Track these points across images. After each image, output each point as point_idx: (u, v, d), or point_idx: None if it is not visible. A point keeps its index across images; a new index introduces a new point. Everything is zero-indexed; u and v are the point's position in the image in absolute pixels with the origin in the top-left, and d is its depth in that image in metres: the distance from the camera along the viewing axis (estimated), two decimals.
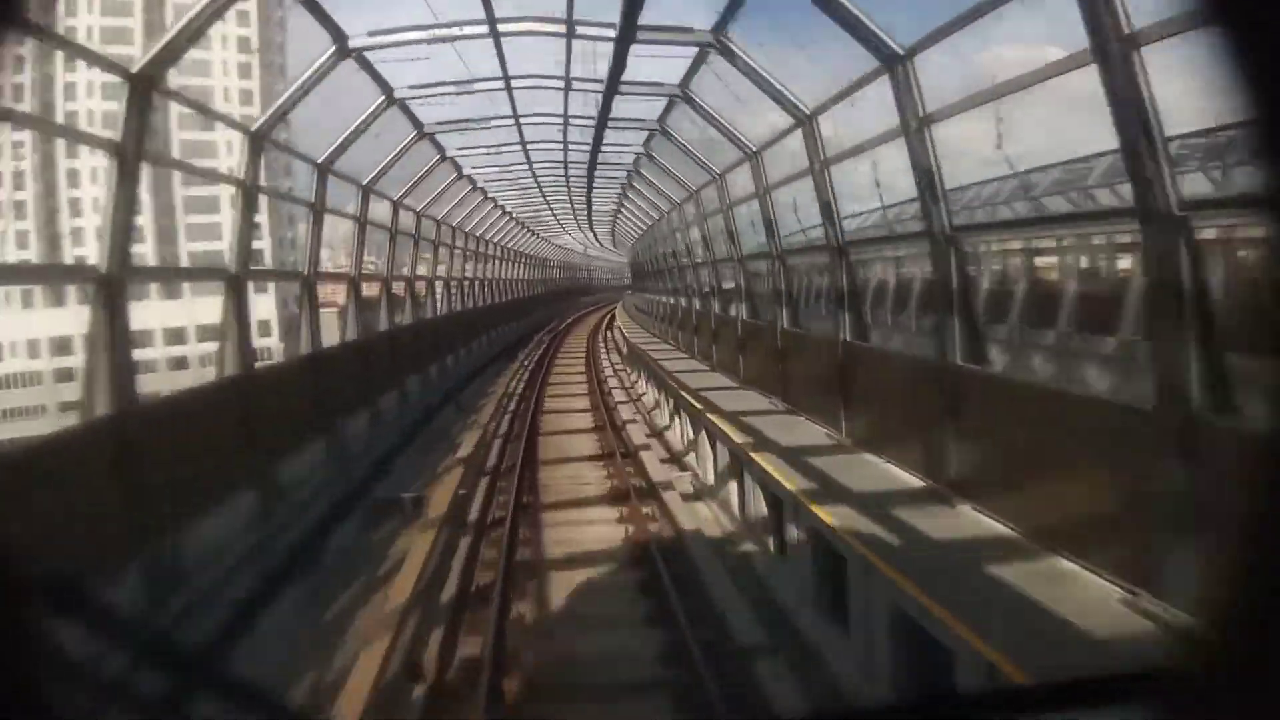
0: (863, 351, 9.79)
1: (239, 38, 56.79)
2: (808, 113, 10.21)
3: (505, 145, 17.93)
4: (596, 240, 47.09)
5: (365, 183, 14.80)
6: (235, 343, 8.59)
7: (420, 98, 12.62)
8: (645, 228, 29.21)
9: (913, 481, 7.73)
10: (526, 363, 27.71)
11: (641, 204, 25.20)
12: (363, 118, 11.90)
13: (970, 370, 7.19)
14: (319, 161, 11.87)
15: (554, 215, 32.85)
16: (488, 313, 31.72)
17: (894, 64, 7.63)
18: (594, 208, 27.37)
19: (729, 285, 17.24)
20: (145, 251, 50.64)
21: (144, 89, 7.23)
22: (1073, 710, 0.74)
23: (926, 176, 7.58)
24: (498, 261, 36.88)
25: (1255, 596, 0.53)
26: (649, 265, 33.77)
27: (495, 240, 35.32)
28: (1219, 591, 0.56)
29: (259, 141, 9.04)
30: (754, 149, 12.91)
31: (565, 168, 21.20)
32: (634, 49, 10.11)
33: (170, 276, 36.23)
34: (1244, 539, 0.54)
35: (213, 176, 9.40)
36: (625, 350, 28.90)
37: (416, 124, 14.51)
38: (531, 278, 47.33)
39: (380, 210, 17.07)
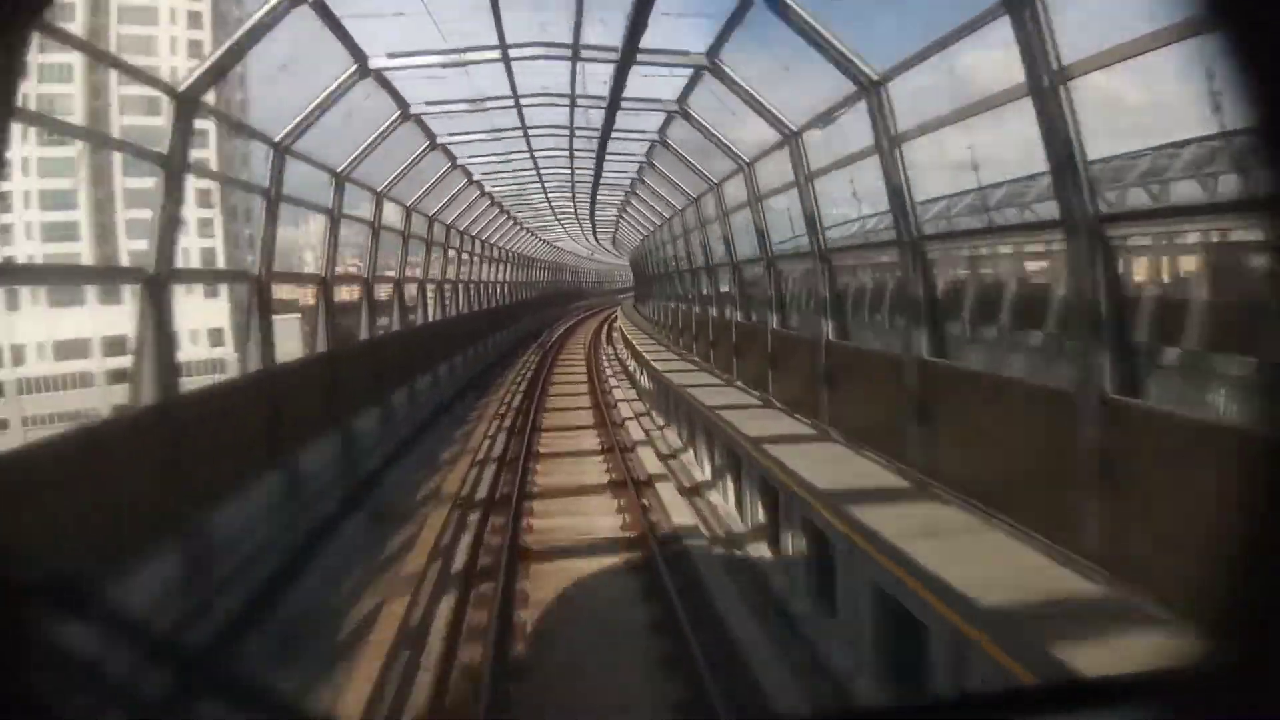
0: (952, 375, 8.03)
1: (190, 12, 53.30)
2: (875, 78, 8.46)
3: (505, 131, 16.12)
4: (595, 238, 45.06)
5: (340, 170, 13.04)
6: (154, 361, 6.78)
7: (402, 68, 10.83)
8: (654, 226, 27.34)
9: (1081, 581, 5.83)
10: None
11: (652, 201, 23.45)
12: (331, 88, 10.13)
13: (1135, 407, 5.42)
14: (276, 140, 10.09)
15: (551, 207, 30.66)
16: (472, 320, 29.24)
17: (1020, 2, 5.90)
18: (600, 193, 24.70)
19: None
20: (80, 250, 47.58)
21: (20, 28, 5.45)
22: (1073, 711, 0.73)
23: (1064, 149, 5.84)
24: (492, 263, 35.08)
25: (1255, 596, 0.52)
26: (658, 268, 31.57)
27: (492, 241, 33.49)
28: (1219, 591, 0.55)
29: (189, 106, 7.25)
30: (793, 129, 11.18)
31: (571, 157, 19.41)
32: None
33: (57, 277, 33.08)
34: (1244, 539, 0.53)
35: (124, 148, 7.71)
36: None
37: (401, 103, 12.75)
38: (519, 280, 45.12)
39: (359, 206, 15.38)
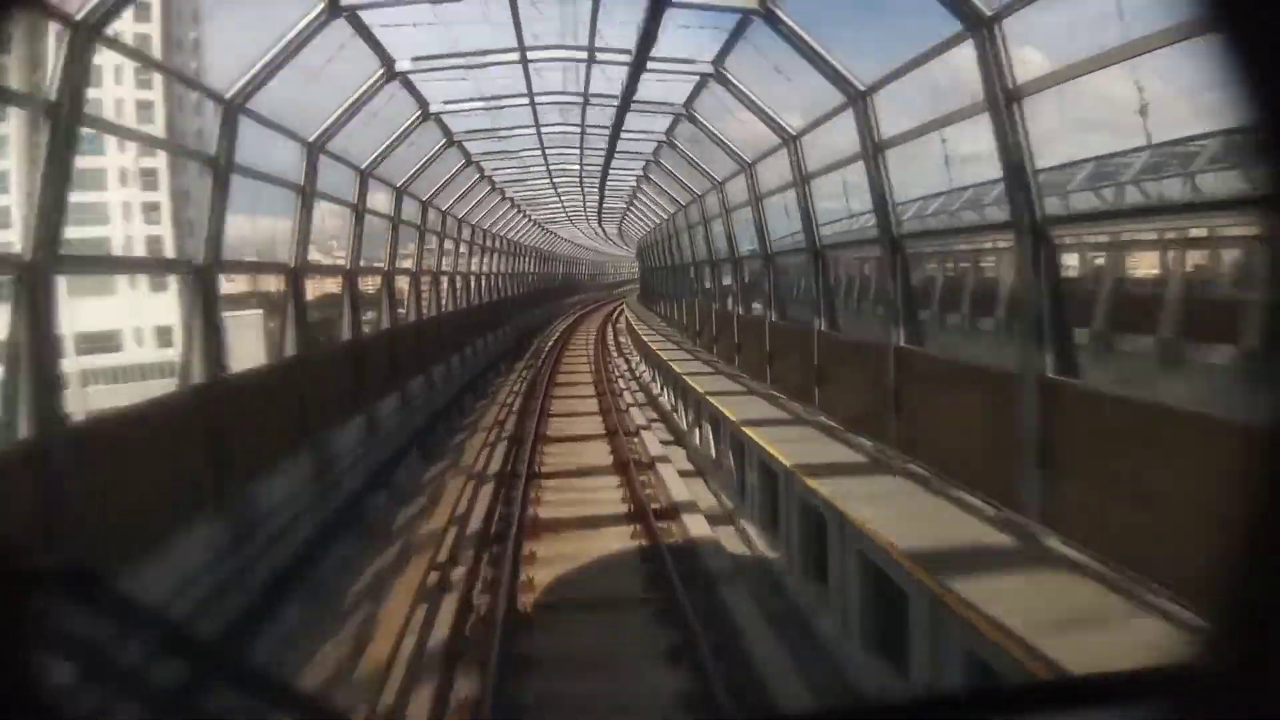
0: (1096, 401, 6.36)
1: None
2: (987, 14, 6.82)
3: (508, 100, 14.47)
4: (600, 225, 43.03)
5: (313, 139, 11.43)
6: (30, 379, 5.16)
7: (383, 4, 9.17)
8: (671, 212, 25.54)
9: None
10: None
11: (667, 186, 21.76)
12: (297, 27, 8.50)
13: None
14: (227, 97, 8.47)
15: (557, 192, 28.63)
16: (469, 315, 26.58)
17: None
18: (611, 175, 22.25)
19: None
20: (12, 240, 44.36)
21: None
22: (1074, 710, 0.73)
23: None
24: (489, 254, 33.37)
25: (1255, 596, 0.53)
26: (674, 259, 29.38)
27: (495, 230, 31.75)
28: (1219, 591, 0.55)
29: (89, 37, 5.62)
30: (860, 87, 9.50)
31: (582, 134, 17.72)
32: None
33: None
34: (1246, 539, 0.53)
35: None
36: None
37: (385, 58, 11.11)
38: (513, 270, 42.78)
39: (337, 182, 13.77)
